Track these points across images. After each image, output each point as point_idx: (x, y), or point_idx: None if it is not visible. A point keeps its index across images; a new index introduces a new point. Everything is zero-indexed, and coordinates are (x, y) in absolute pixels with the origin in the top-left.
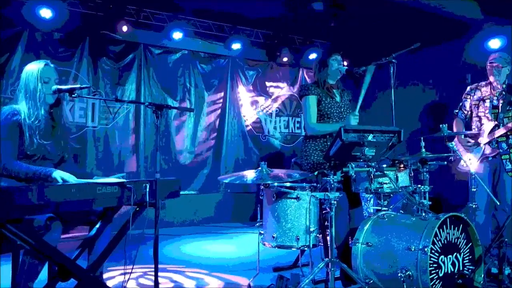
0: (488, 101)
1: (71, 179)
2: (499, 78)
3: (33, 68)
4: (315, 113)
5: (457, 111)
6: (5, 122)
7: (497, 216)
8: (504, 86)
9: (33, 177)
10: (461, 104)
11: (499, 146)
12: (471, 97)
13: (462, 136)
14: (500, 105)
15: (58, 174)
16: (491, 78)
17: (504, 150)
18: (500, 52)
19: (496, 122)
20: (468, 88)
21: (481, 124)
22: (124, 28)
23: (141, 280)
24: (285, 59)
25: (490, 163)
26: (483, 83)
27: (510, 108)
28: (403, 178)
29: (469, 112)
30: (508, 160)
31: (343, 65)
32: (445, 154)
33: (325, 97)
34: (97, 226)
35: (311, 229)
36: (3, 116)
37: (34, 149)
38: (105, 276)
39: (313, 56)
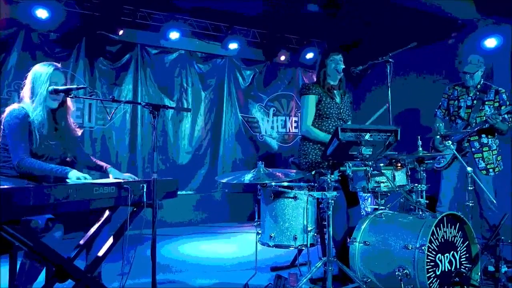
0: (462, 100)
1: (87, 179)
2: (473, 82)
3: (42, 71)
4: (313, 114)
5: (436, 110)
6: (17, 120)
7: (485, 215)
8: (479, 86)
9: (49, 174)
10: (440, 103)
11: (471, 145)
12: (448, 96)
13: (437, 137)
14: (474, 105)
15: (74, 174)
16: (465, 83)
17: (476, 149)
18: (471, 56)
19: (466, 122)
20: (447, 87)
21: (456, 124)
22: (120, 32)
23: (139, 280)
24: (282, 57)
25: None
26: (460, 82)
27: (483, 108)
28: (400, 177)
29: (447, 111)
30: (481, 158)
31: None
32: (441, 153)
33: (325, 97)
34: (95, 226)
35: (309, 228)
36: (13, 114)
37: (42, 149)
38: (102, 277)
39: (310, 55)
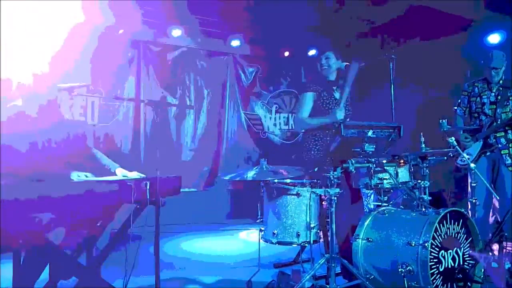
0: (485, 97)
1: (88, 176)
2: (498, 77)
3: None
4: (309, 110)
5: (455, 108)
6: (16, 123)
7: (498, 211)
8: (501, 82)
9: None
10: (459, 101)
11: (497, 141)
12: (469, 93)
13: (461, 132)
14: (498, 100)
15: (76, 174)
16: (489, 79)
17: (503, 145)
18: (495, 52)
19: (492, 118)
20: (465, 84)
21: (479, 120)
22: (120, 31)
23: (142, 278)
24: (286, 53)
25: (488, 158)
26: (480, 79)
27: (507, 103)
28: (403, 173)
29: (467, 109)
30: (507, 155)
31: (336, 61)
32: (445, 150)
33: (323, 93)
34: (98, 224)
35: (312, 225)
36: (12, 118)
37: (45, 147)
38: (105, 274)
39: (312, 52)
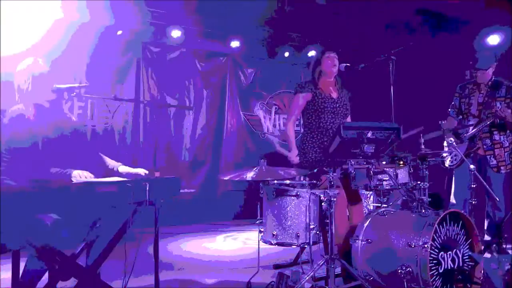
0: (473, 98)
1: (87, 177)
2: (485, 78)
3: (22, 66)
4: (297, 113)
5: (449, 109)
6: (16, 125)
7: (491, 213)
8: (490, 83)
9: (54, 179)
10: (453, 102)
11: (482, 142)
12: (460, 94)
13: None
14: (485, 101)
15: (77, 173)
16: (477, 79)
17: (488, 146)
18: (483, 53)
19: (478, 119)
20: (458, 86)
21: (468, 121)
22: (119, 32)
23: (141, 279)
24: (286, 54)
25: (472, 159)
26: (472, 80)
27: (494, 104)
28: (403, 174)
29: (459, 110)
30: (492, 155)
31: (338, 63)
32: (444, 151)
33: (319, 93)
34: (98, 225)
35: (311, 226)
36: (11, 118)
37: (45, 152)
38: (105, 275)
39: (312, 53)
